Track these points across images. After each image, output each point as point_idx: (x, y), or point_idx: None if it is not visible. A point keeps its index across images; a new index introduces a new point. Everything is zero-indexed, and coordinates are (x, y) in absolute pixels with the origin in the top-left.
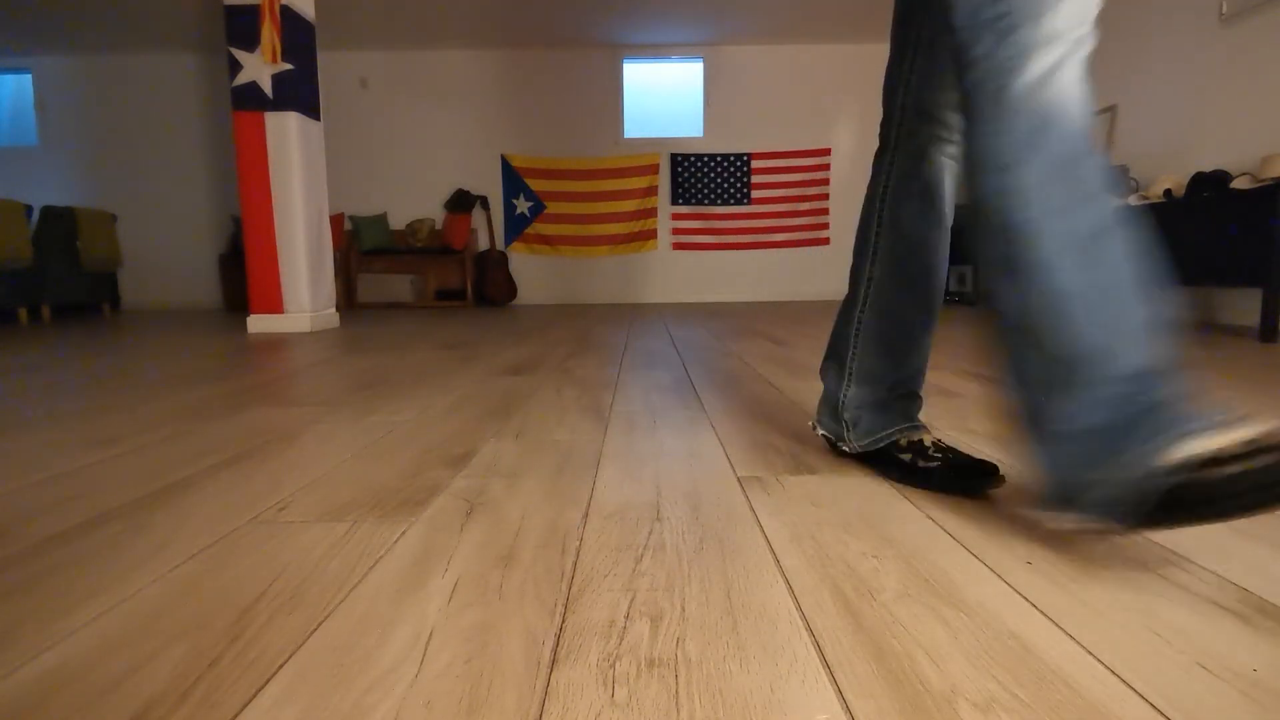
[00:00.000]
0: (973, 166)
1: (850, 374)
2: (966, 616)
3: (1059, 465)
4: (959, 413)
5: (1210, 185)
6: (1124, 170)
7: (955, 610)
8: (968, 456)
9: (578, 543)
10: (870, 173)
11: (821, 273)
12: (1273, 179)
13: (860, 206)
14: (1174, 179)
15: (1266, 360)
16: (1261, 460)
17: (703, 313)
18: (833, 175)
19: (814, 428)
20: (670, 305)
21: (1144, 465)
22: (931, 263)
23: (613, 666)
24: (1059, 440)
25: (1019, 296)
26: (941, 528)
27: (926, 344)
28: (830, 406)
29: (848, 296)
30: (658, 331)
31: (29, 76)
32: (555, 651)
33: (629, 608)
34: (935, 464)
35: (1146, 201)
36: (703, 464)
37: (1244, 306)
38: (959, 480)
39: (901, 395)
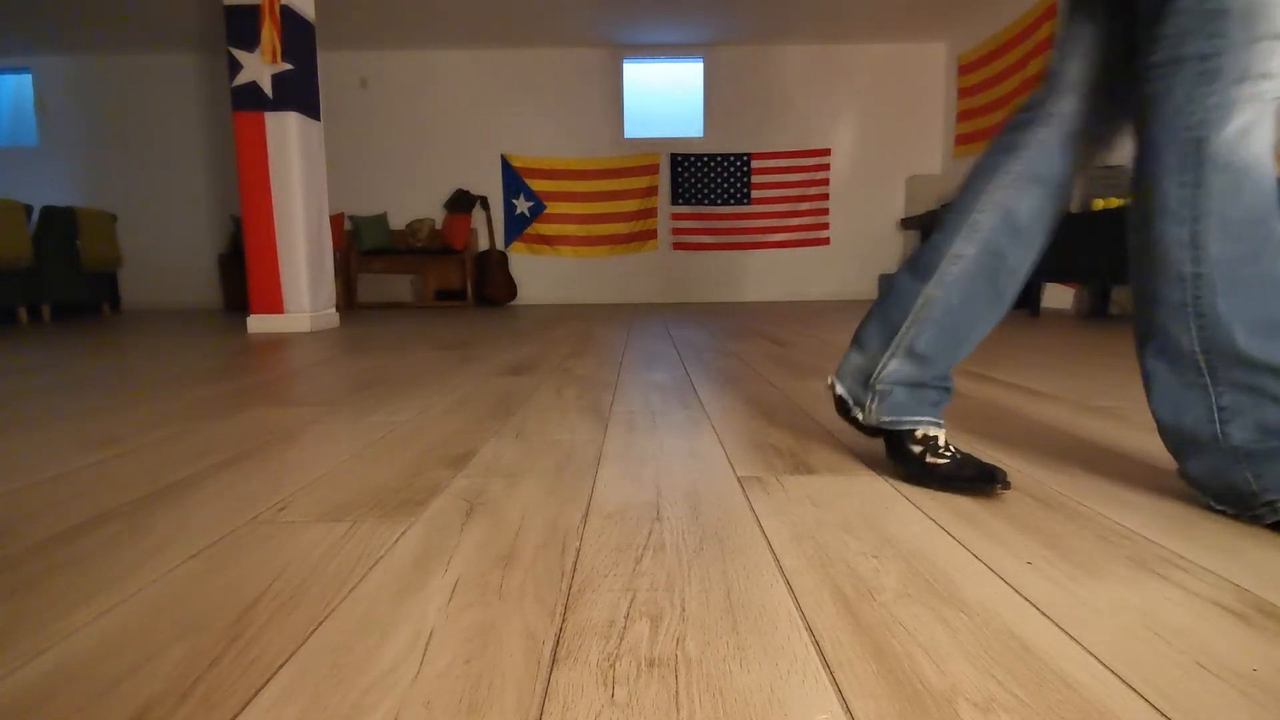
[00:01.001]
0: (1153, 208)
1: (899, 347)
2: (966, 616)
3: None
4: (959, 413)
5: None
6: (1124, 170)
7: (955, 610)
8: (977, 460)
9: (578, 543)
10: (990, 147)
11: (821, 273)
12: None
13: (848, 207)
14: None
15: None
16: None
17: (703, 313)
18: (833, 175)
19: (831, 385)
20: (670, 305)
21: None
22: (1025, 261)
23: (613, 666)
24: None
25: (1199, 339)
26: (942, 528)
27: (983, 336)
28: (861, 371)
29: (917, 265)
30: (658, 331)
31: (29, 76)
32: (555, 651)
33: (629, 608)
34: (944, 461)
35: None
36: (703, 464)
37: None
38: (964, 481)
39: (939, 387)
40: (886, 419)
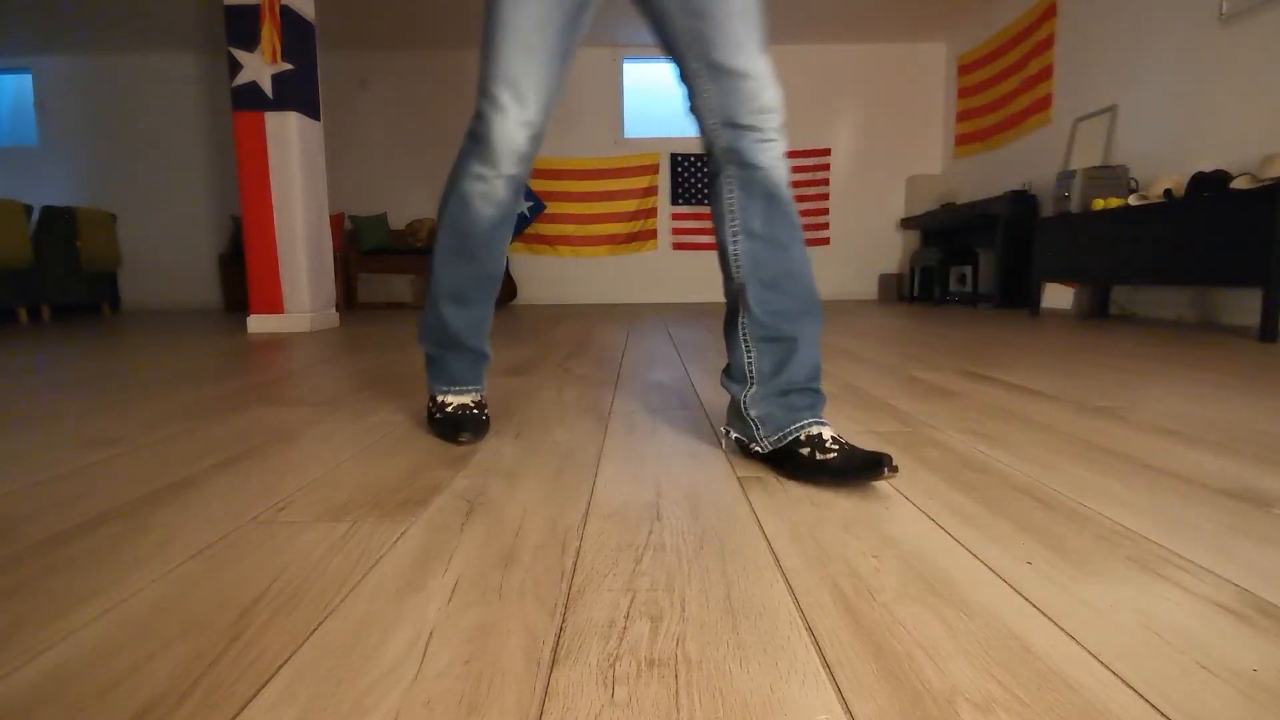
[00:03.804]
0: None
1: (751, 375)
2: (966, 616)
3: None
4: (959, 413)
5: (1210, 185)
6: (1124, 170)
7: (955, 610)
8: (863, 450)
9: (578, 543)
10: (711, 196)
11: (821, 273)
12: (1273, 179)
13: (848, 207)
14: (1174, 179)
15: (1266, 360)
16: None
17: (703, 313)
18: (833, 175)
19: (726, 433)
20: (670, 305)
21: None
22: (791, 258)
23: (613, 666)
24: None
25: None
26: (942, 528)
27: (812, 336)
28: (736, 410)
29: (729, 310)
30: (658, 331)
31: (29, 76)
32: (555, 651)
33: (629, 608)
34: (832, 456)
35: (1146, 201)
36: (703, 464)
37: (1244, 306)
38: (852, 472)
39: (799, 392)
40: (773, 439)
